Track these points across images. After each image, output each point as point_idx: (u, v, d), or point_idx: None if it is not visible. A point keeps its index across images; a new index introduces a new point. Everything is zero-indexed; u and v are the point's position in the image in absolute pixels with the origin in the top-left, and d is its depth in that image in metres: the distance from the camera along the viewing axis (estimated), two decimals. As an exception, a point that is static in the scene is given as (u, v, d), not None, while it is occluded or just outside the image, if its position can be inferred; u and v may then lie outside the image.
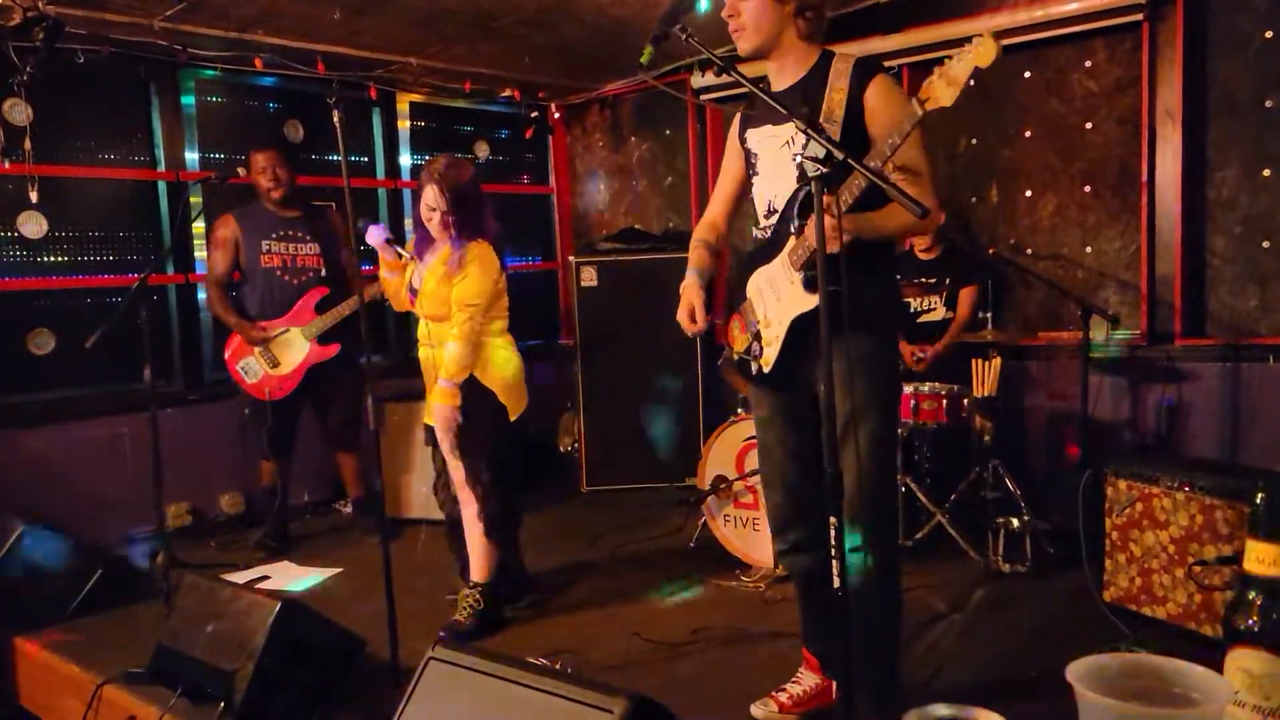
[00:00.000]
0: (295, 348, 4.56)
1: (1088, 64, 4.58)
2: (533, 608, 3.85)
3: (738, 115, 2.68)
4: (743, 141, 2.63)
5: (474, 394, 3.54)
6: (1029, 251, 4.83)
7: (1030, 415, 4.73)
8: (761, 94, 2.12)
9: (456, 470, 3.59)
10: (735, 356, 2.69)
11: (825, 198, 1.93)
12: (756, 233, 2.61)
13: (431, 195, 3.46)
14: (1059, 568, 3.91)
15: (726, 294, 2.78)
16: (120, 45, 4.55)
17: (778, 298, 2.49)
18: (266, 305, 4.59)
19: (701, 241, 2.77)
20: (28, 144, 4.40)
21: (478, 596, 3.59)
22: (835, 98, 2.36)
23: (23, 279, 4.67)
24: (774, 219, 2.52)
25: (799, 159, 2.00)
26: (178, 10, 4.19)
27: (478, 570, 3.62)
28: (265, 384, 4.54)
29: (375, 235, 3.58)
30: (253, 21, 4.57)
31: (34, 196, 4.44)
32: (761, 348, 2.54)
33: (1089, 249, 4.69)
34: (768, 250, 2.53)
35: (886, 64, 4.78)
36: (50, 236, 4.72)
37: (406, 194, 6.20)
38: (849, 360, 2.19)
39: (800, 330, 2.43)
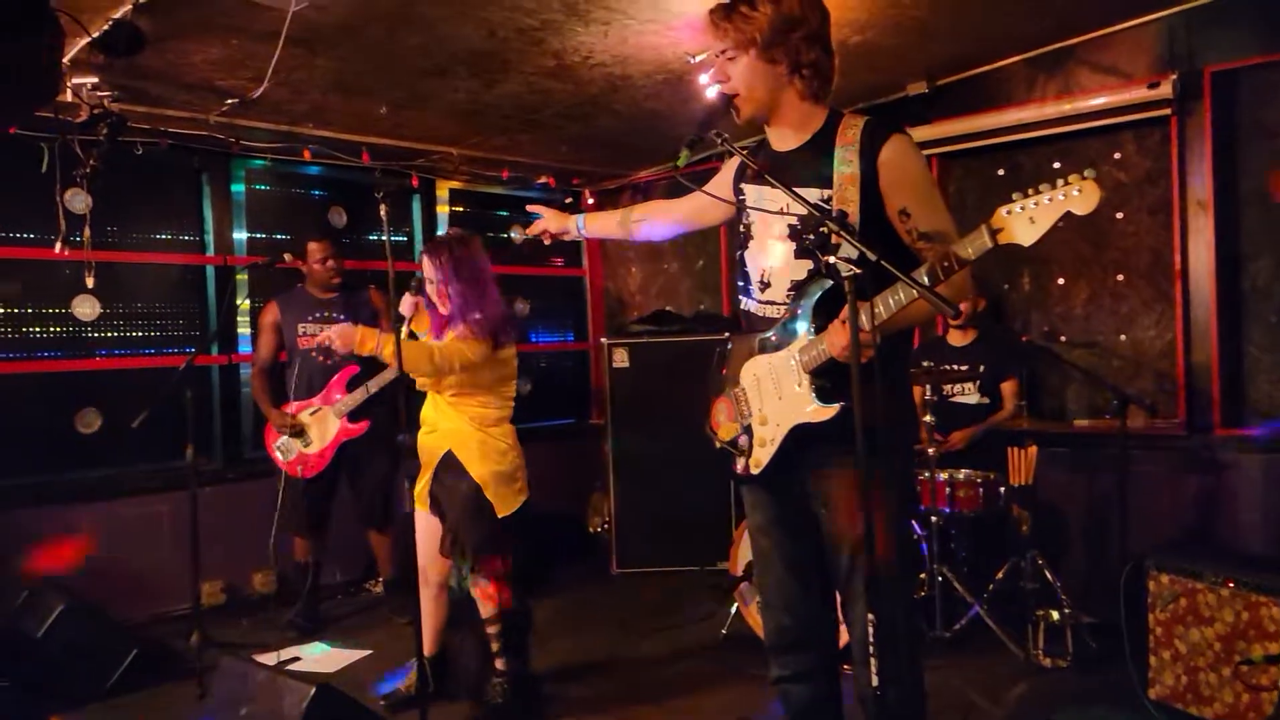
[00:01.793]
0: (327, 426, 4.63)
1: (1117, 155, 4.64)
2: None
3: (735, 159, 2.41)
4: (737, 191, 2.41)
5: (460, 479, 3.46)
6: (1063, 339, 4.84)
7: (1068, 505, 4.67)
8: (796, 197, 2.00)
9: (423, 555, 3.52)
10: (718, 444, 2.43)
11: (844, 310, 1.86)
12: (750, 304, 2.35)
13: (428, 266, 3.51)
14: (1101, 662, 3.82)
15: (715, 369, 2.49)
16: (177, 137, 4.76)
17: (779, 395, 2.24)
18: (303, 385, 4.70)
19: (628, 211, 2.71)
20: (86, 232, 4.57)
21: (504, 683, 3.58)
22: (846, 170, 2.13)
23: (73, 360, 4.81)
24: (769, 293, 2.28)
25: (832, 265, 1.90)
26: (232, 105, 4.37)
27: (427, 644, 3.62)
28: (299, 462, 4.61)
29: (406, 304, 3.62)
30: (303, 116, 4.76)
31: (90, 282, 4.60)
32: (752, 445, 2.30)
33: (1123, 337, 4.68)
34: (766, 332, 2.29)
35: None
36: (101, 318, 4.87)
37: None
38: (860, 483, 1.92)
39: (801, 438, 2.20)
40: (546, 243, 2.91)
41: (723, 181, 2.50)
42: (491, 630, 3.58)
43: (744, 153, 2.16)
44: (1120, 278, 4.68)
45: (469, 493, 3.46)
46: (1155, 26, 4.38)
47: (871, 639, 1.82)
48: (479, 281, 3.51)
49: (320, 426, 4.64)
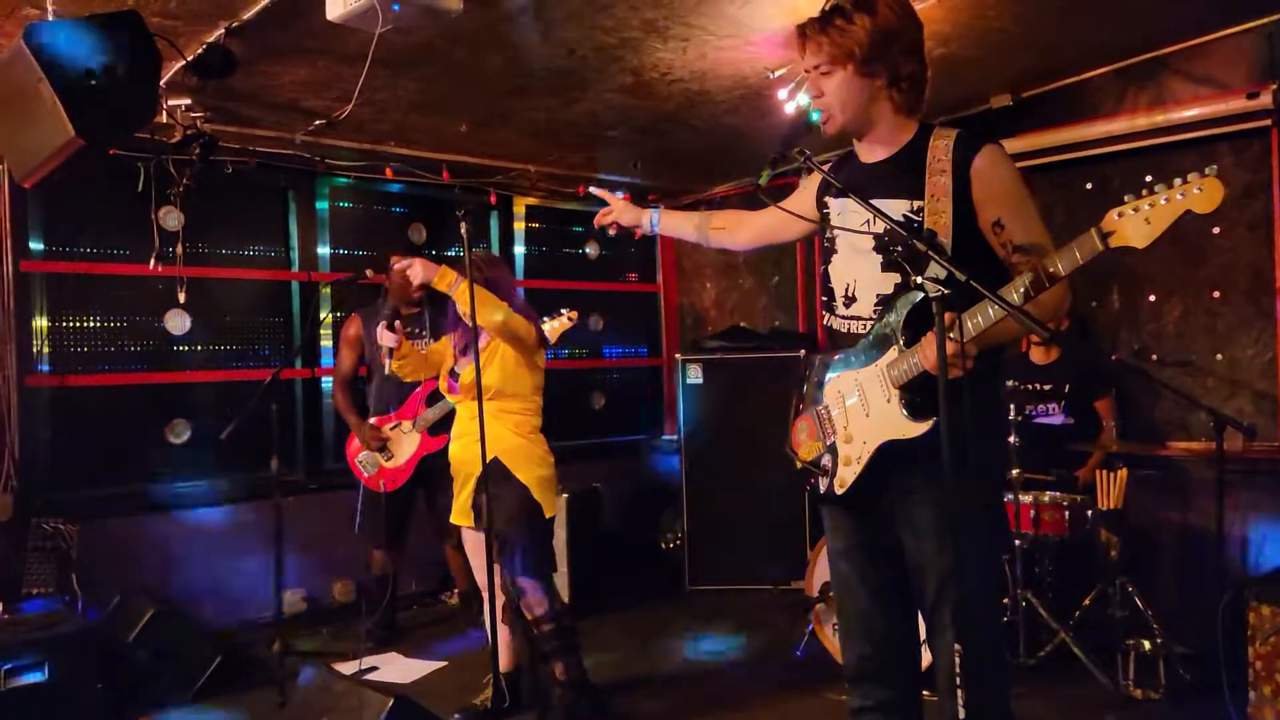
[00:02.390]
0: (407, 440, 4.70)
1: (1212, 168, 4.46)
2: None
3: (816, 175, 2.34)
4: (822, 206, 2.35)
5: (508, 486, 3.49)
6: (1154, 358, 4.66)
7: (1160, 530, 4.50)
8: (878, 213, 1.96)
9: (480, 571, 3.57)
10: (799, 464, 2.35)
11: (949, 315, 1.79)
12: (833, 320, 2.29)
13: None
14: (1196, 695, 3.66)
15: (800, 390, 2.43)
16: (264, 156, 4.91)
17: (866, 413, 2.16)
18: (383, 400, 4.77)
19: (707, 216, 2.67)
20: (179, 248, 4.73)
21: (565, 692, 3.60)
22: (939, 181, 2.07)
23: (165, 372, 4.98)
24: (855, 308, 2.22)
25: (920, 279, 1.84)
26: (318, 125, 4.49)
27: (502, 659, 3.64)
28: (380, 476, 4.69)
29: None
30: (385, 134, 4.87)
31: (182, 297, 4.76)
32: (836, 464, 2.21)
33: (1220, 356, 4.50)
34: (852, 347, 2.21)
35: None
36: (192, 331, 5.03)
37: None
38: (949, 505, 1.84)
39: (890, 457, 2.12)
40: (612, 233, 2.79)
41: (804, 197, 2.44)
42: (546, 630, 3.57)
43: (825, 170, 2.12)
44: (1216, 294, 4.51)
45: (520, 495, 3.51)
46: (1253, 34, 4.21)
47: (958, 669, 1.75)
48: (512, 297, 3.58)
49: (401, 441, 4.71)
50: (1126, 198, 1.77)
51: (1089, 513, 4.08)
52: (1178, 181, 1.72)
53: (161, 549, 4.75)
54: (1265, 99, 4.10)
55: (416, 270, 3.44)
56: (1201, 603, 4.05)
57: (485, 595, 3.63)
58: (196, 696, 3.95)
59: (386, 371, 3.73)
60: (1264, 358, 4.37)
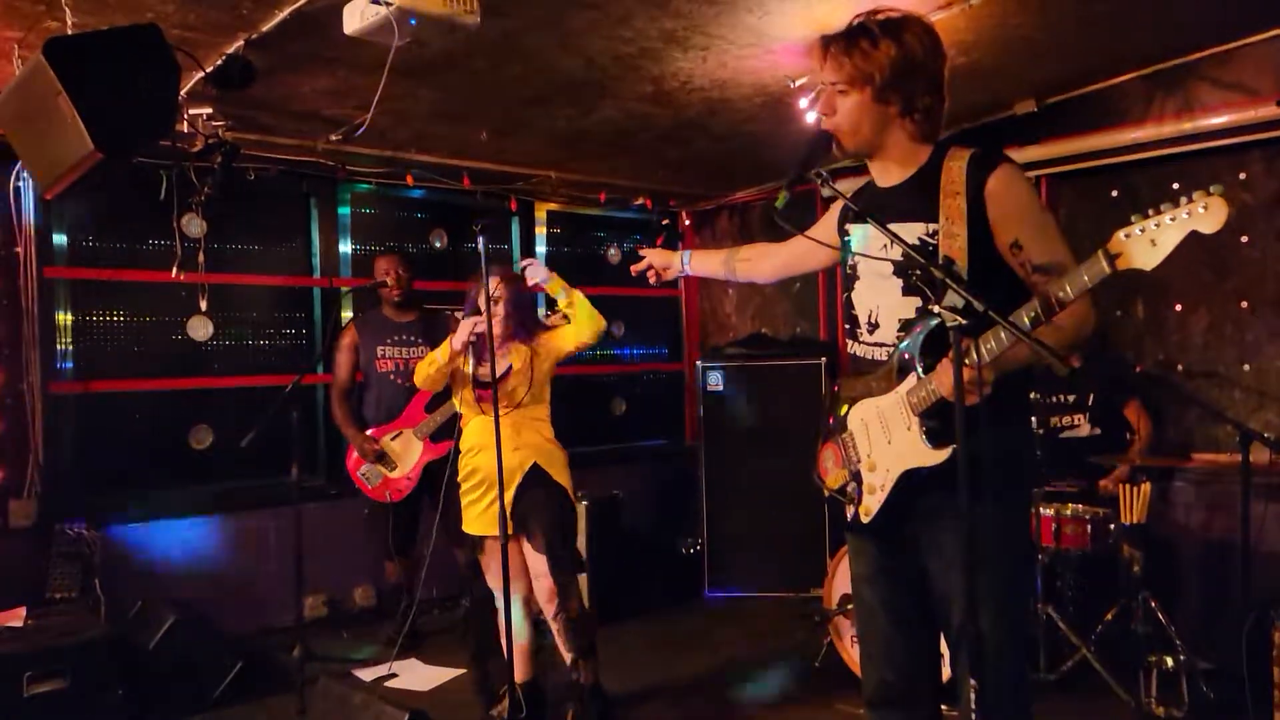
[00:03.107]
0: (410, 449, 4.69)
1: (1242, 176, 4.40)
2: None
3: (838, 204, 2.32)
4: (843, 234, 2.33)
5: (548, 488, 3.62)
6: (1180, 368, 4.60)
7: (1183, 545, 4.44)
8: (895, 238, 1.94)
9: (541, 569, 3.60)
10: (827, 493, 2.34)
11: (964, 340, 1.77)
12: (857, 346, 2.28)
13: (501, 287, 3.64)
14: (1219, 714, 3.62)
15: (825, 415, 2.42)
16: (286, 163, 4.93)
17: (888, 440, 2.15)
18: (381, 409, 4.76)
19: (734, 252, 2.71)
20: (201, 256, 4.77)
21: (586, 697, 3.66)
22: (953, 204, 2.03)
23: (188, 378, 5.01)
24: (879, 334, 2.20)
25: (937, 308, 1.81)
26: (340, 135, 4.51)
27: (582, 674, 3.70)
28: (386, 487, 4.68)
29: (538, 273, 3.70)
30: (406, 142, 4.88)
31: (203, 304, 4.80)
32: (861, 493, 2.21)
33: (1247, 367, 4.43)
34: (875, 376, 2.21)
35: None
36: (214, 337, 5.06)
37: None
38: (974, 535, 1.80)
39: (913, 484, 2.10)
40: (652, 281, 2.87)
41: (828, 225, 2.44)
42: (560, 625, 3.63)
43: (843, 195, 2.09)
44: (1244, 305, 4.43)
45: (560, 497, 3.65)
46: (1284, 41, 4.14)
47: (974, 705, 1.73)
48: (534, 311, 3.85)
49: (403, 449, 4.70)
50: (1134, 217, 1.73)
51: (1112, 526, 4.03)
52: (1183, 200, 1.68)
53: (183, 554, 4.79)
54: (1296, 107, 4.03)
55: (536, 270, 3.64)
56: (1226, 619, 3.99)
57: (501, 605, 3.64)
58: (216, 704, 3.98)
59: (404, 381, 3.74)
60: (1293, 369, 4.29)
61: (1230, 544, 4.16)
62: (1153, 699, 3.71)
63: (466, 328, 3.57)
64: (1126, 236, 1.73)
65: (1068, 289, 1.81)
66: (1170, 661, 3.73)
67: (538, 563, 3.59)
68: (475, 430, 3.70)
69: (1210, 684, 3.71)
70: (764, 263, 2.69)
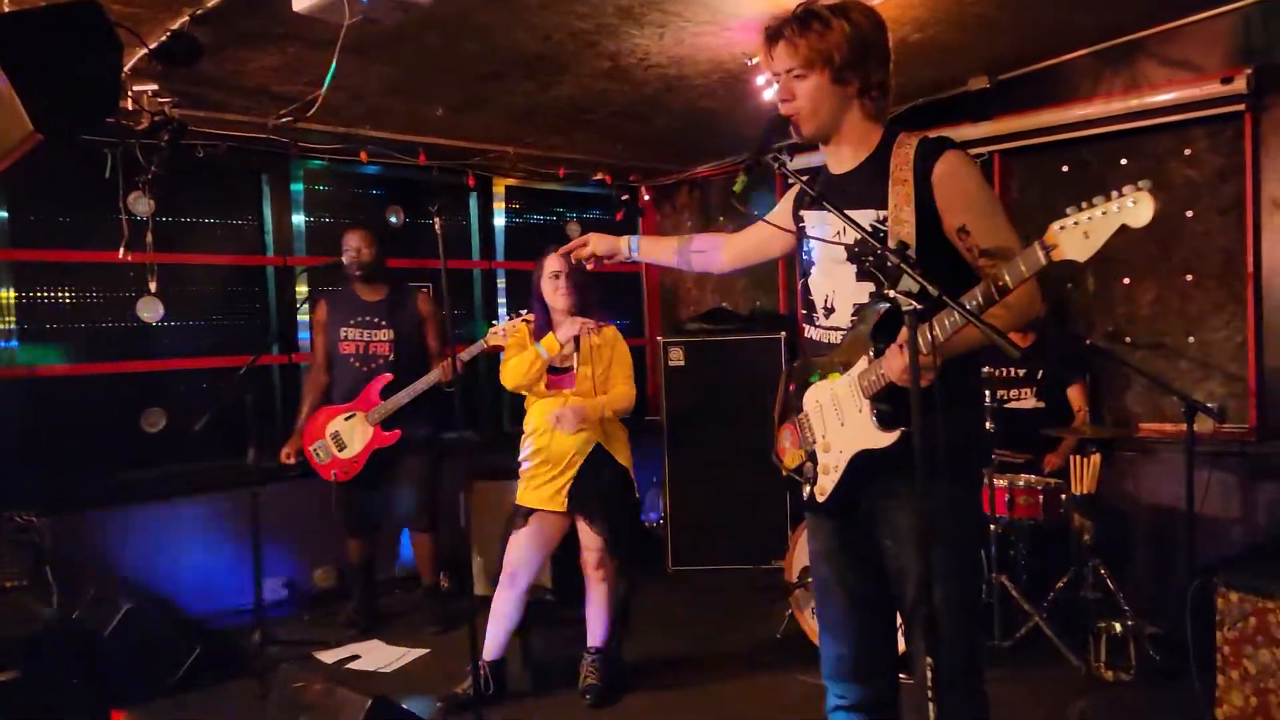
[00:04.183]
0: (360, 433, 4.65)
1: (1187, 152, 4.49)
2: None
3: (793, 190, 2.37)
4: (798, 220, 2.36)
5: (609, 470, 3.77)
6: (1128, 340, 4.70)
7: (1132, 513, 4.56)
8: (849, 221, 1.95)
9: (594, 544, 3.77)
10: (785, 472, 2.40)
11: (903, 332, 1.81)
12: (813, 330, 2.31)
13: (556, 262, 3.74)
14: (1166, 677, 3.73)
15: (783, 396, 2.39)
16: (236, 140, 4.83)
17: (841, 422, 2.19)
18: (341, 390, 4.72)
19: (686, 241, 2.65)
20: (149, 236, 4.67)
21: (600, 661, 3.83)
22: (901, 190, 2.07)
23: (139, 360, 4.92)
24: (834, 318, 2.24)
25: (892, 293, 1.82)
26: (291, 111, 4.42)
27: (597, 636, 3.85)
28: (333, 466, 4.65)
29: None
30: (360, 118, 4.80)
31: (153, 286, 4.70)
32: (816, 473, 2.26)
33: (1192, 339, 4.54)
34: (829, 358, 2.24)
35: (975, 152, 4.77)
36: (165, 319, 4.95)
37: (501, 273, 6.38)
38: (924, 512, 1.85)
39: (865, 465, 2.15)
40: (590, 268, 2.80)
41: (783, 211, 2.44)
42: (600, 593, 3.83)
43: (801, 180, 2.10)
44: (1189, 278, 4.54)
45: (621, 479, 3.82)
46: (1229, 19, 4.22)
47: (929, 682, 1.77)
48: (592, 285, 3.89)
49: (353, 432, 4.66)
50: (1068, 209, 1.76)
51: (1063, 496, 4.12)
52: (1114, 194, 1.71)
53: (138, 540, 4.72)
54: (1239, 84, 4.11)
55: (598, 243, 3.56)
56: (1173, 585, 4.12)
57: (507, 580, 3.80)
58: (175, 689, 3.94)
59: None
60: (1234, 341, 4.41)
61: (1176, 512, 4.29)
62: (1102, 663, 3.82)
63: (572, 328, 3.74)
64: (1061, 229, 1.76)
65: (1007, 278, 1.84)
66: (1119, 627, 3.84)
67: (592, 539, 3.77)
68: (541, 411, 3.78)
69: (1157, 648, 3.83)
70: (720, 254, 2.66)
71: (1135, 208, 1.68)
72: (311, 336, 4.90)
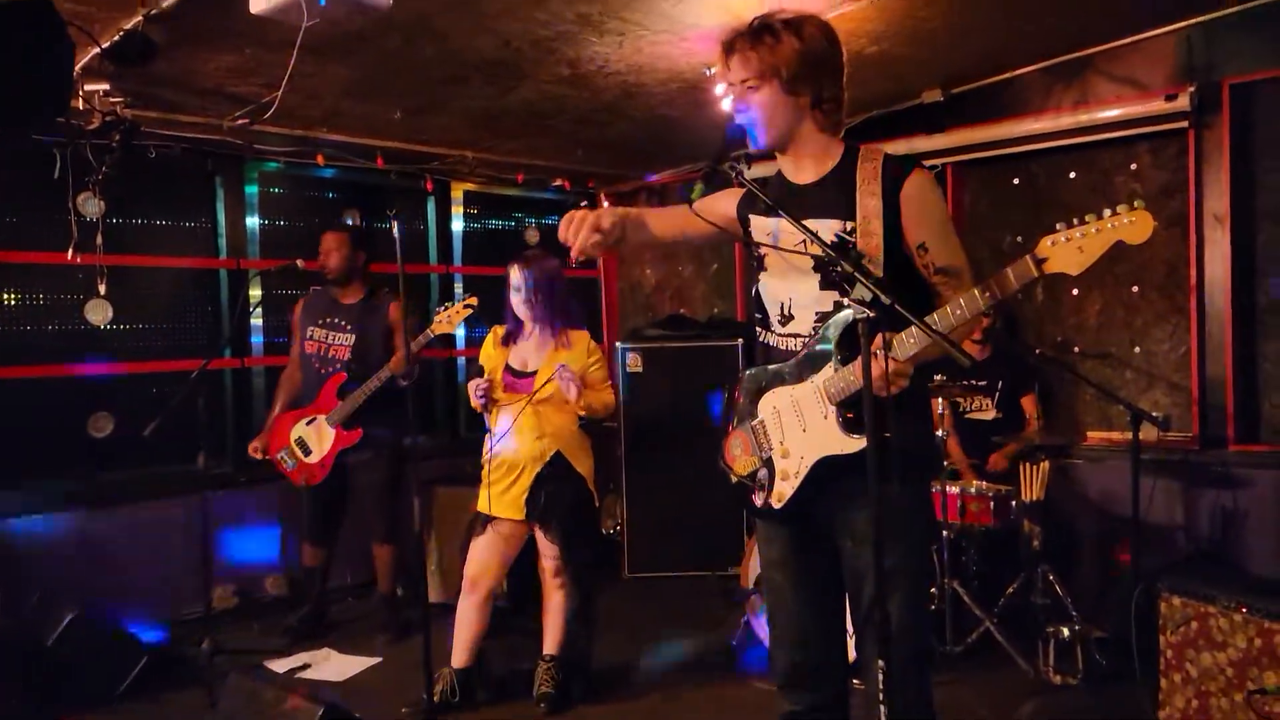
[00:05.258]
0: (323, 435, 4.60)
1: (1133, 167, 4.61)
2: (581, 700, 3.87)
3: (743, 190, 2.29)
4: (744, 223, 2.36)
5: (568, 479, 3.73)
6: (1076, 350, 4.81)
7: (1080, 520, 4.65)
8: (808, 233, 1.97)
9: (551, 552, 3.74)
10: (734, 479, 2.37)
11: (876, 339, 1.84)
12: (769, 336, 2.31)
13: (515, 275, 3.74)
14: (1112, 681, 3.80)
15: (728, 401, 2.40)
16: (190, 141, 4.76)
17: (803, 428, 2.20)
18: (305, 393, 4.69)
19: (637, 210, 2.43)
20: (99, 238, 4.58)
21: (555, 669, 3.79)
22: (870, 204, 2.12)
23: (86, 364, 4.80)
24: (792, 325, 2.25)
25: (848, 301, 1.87)
26: (247, 113, 4.37)
27: (553, 643, 3.82)
28: (301, 471, 4.60)
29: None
30: (317, 121, 4.76)
31: (102, 288, 4.61)
32: (773, 479, 2.25)
33: (1137, 349, 4.65)
34: (787, 364, 2.25)
35: (929, 163, 4.85)
36: (115, 322, 4.85)
37: (458, 278, 6.35)
38: (884, 515, 1.87)
39: (828, 470, 2.16)
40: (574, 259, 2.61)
41: (724, 209, 2.40)
42: (560, 599, 3.79)
43: (757, 186, 2.13)
44: (1135, 289, 4.65)
45: (579, 490, 3.77)
46: (1173, 38, 4.34)
47: (881, 685, 1.80)
48: (564, 294, 3.84)
49: (317, 435, 4.61)
50: (1059, 225, 1.82)
51: (1013, 503, 4.20)
52: (1107, 212, 1.78)
53: (83, 547, 4.61)
54: (1183, 101, 4.23)
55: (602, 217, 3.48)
56: (1118, 591, 4.19)
57: (468, 586, 3.78)
58: (121, 700, 3.87)
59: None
60: (1178, 351, 4.52)
61: (1122, 518, 4.38)
62: (1050, 667, 3.90)
63: (475, 389, 3.77)
64: (1053, 243, 1.81)
65: (995, 289, 1.89)
66: (1067, 631, 3.91)
67: (549, 547, 3.75)
68: (502, 416, 3.77)
69: (1103, 652, 3.91)
70: (648, 235, 2.43)
71: (1132, 225, 1.75)
72: (289, 337, 4.86)
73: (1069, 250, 1.79)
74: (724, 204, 2.44)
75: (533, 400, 3.67)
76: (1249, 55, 4.18)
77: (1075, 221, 1.80)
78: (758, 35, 2.14)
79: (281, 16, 2.94)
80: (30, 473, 4.60)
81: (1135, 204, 1.76)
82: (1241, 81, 4.21)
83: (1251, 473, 4.24)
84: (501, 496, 3.74)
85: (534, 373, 3.75)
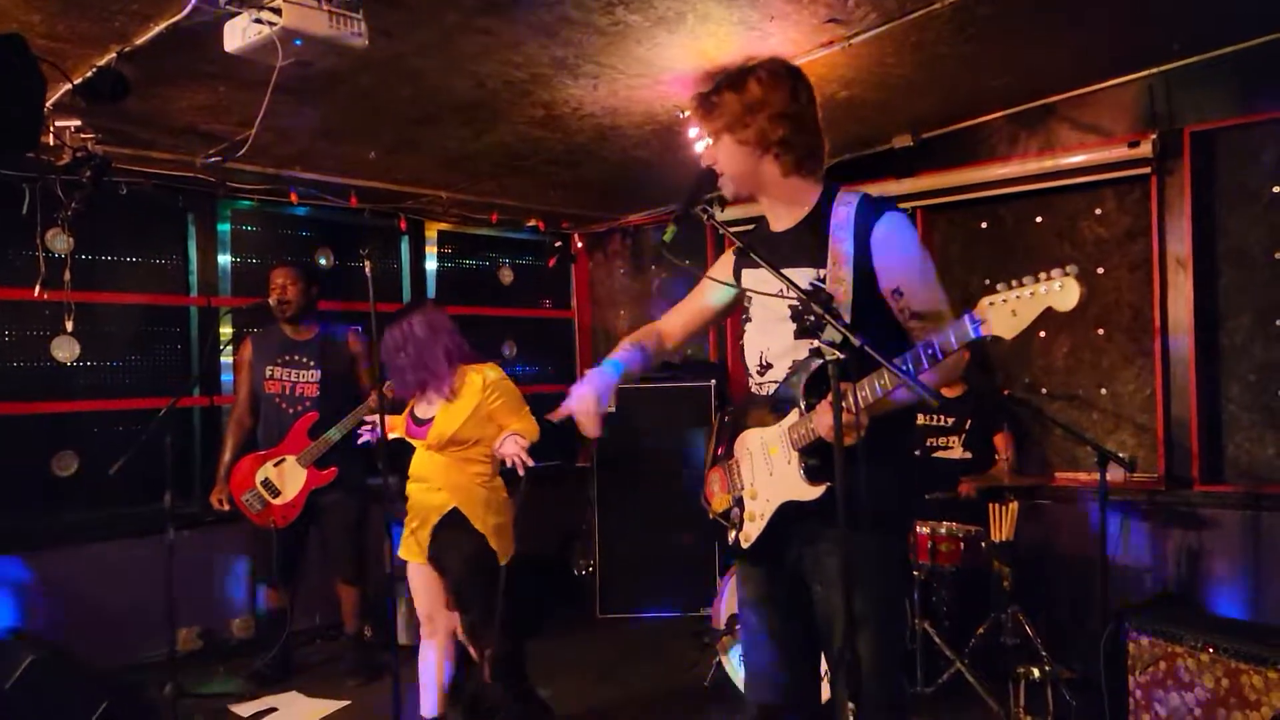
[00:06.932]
0: (294, 476, 4.54)
1: (1098, 211, 4.69)
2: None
3: (732, 250, 2.37)
4: (738, 277, 2.37)
5: (466, 534, 3.55)
6: (1044, 391, 4.86)
7: (1049, 560, 4.68)
8: (782, 278, 1.98)
9: (454, 621, 3.66)
10: (712, 515, 2.41)
11: (843, 385, 1.85)
12: (753, 385, 2.35)
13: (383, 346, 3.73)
14: (1081, 720, 3.81)
15: (714, 440, 2.41)
16: (162, 178, 4.75)
17: (770, 472, 2.23)
18: (266, 432, 4.63)
19: (636, 341, 2.48)
20: (67, 274, 4.54)
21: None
22: (840, 250, 2.10)
23: (51, 402, 4.74)
24: (770, 374, 2.27)
25: (818, 344, 1.88)
26: (220, 151, 4.37)
27: (429, 705, 3.73)
28: (270, 513, 4.53)
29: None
30: (290, 159, 4.77)
31: (69, 325, 4.56)
32: (743, 519, 2.28)
33: (1104, 390, 4.71)
34: (763, 408, 2.28)
35: (900, 207, 4.92)
36: (81, 359, 4.80)
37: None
38: (846, 565, 1.87)
39: (791, 514, 2.18)
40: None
41: (724, 269, 2.46)
42: (492, 664, 3.65)
43: (728, 229, 2.15)
44: (1101, 331, 4.72)
45: (476, 547, 3.56)
46: (1136, 86, 4.44)
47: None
48: (432, 347, 3.66)
49: (287, 476, 4.55)
50: (999, 286, 1.81)
51: (983, 544, 4.21)
52: (1042, 275, 1.76)
53: (44, 587, 4.52)
54: (1145, 148, 4.32)
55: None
56: (1088, 630, 4.21)
57: (426, 628, 3.72)
58: (80, 745, 3.77)
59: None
60: (1144, 393, 4.58)
61: (1090, 558, 4.40)
62: (1021, 708, 3.88)
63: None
64: (990, 305, 1.81)
65: (951, 340, 1.87)
66: (1037, 672, 3.91)
67: (451, 601, 3.65)
68: (414, 461, 3.71)
69: (1073, 692, 3.91)
70: (661, 340, 2.57)
71: (1061, 292, 1.73)
72: (235, 377, 4.79)
73: (1004, 313, 1.78)
74: (723, 267, 2.47)
75: (429, 448, 3.61)
76: (1210, 104, 4.29)
77: (1014, 283, 1.79)
78: (705, 97, 2.24)
79: (256, 56, 2.95)
80: (-9, 512, 4.51)
81: (1067, 269, 1.75)
82: (1202, 129, 4.32)
83: (1217, 513, 4.29)
84: (408, 539, 3.67)
85: (431, 420, 3.62)
